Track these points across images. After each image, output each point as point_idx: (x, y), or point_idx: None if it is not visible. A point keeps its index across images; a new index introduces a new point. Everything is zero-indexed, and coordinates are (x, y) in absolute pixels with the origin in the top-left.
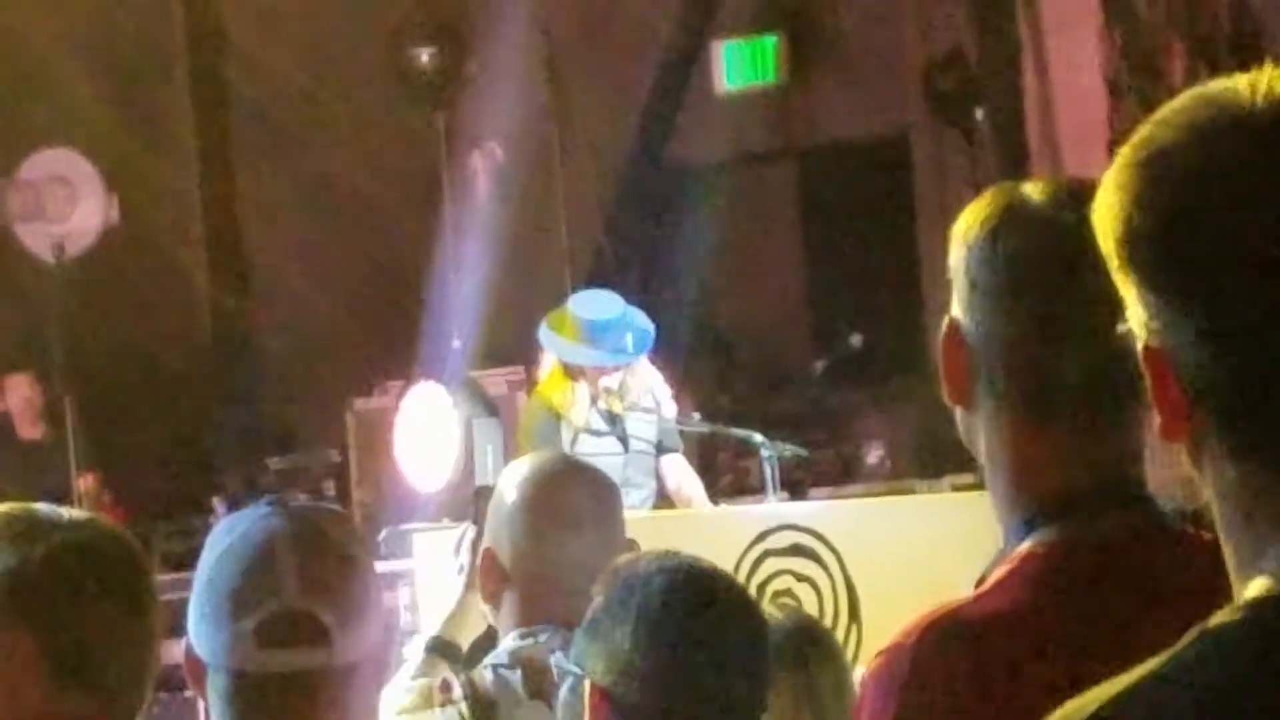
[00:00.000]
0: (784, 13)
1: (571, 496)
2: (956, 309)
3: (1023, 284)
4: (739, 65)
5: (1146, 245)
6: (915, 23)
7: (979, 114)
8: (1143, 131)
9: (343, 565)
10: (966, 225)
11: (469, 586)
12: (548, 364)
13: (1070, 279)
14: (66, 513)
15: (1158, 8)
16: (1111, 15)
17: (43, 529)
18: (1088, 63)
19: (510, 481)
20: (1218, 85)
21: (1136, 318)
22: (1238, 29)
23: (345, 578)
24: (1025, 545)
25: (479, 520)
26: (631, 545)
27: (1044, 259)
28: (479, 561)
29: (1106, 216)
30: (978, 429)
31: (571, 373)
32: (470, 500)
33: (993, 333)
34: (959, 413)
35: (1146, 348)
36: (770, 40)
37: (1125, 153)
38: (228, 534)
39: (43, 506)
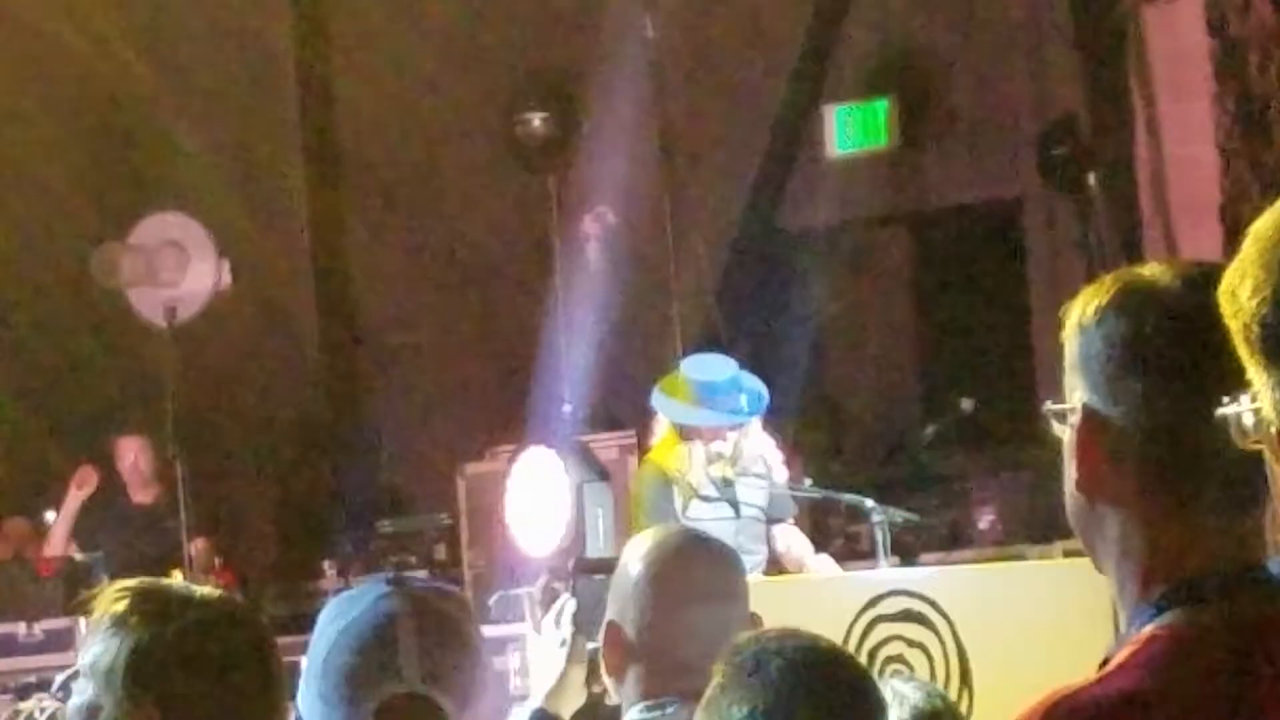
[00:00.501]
0: (896, 77)
1: (698, 570)
2: (1087, 396)
3: (1173, 367)
4: (851, 130)
5: None
6: (1028, 89)
7: (1091, 181)
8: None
9: (461, 649)
10: (1097, 308)
11: (571, 659)
12: (661, 429)
13: (1214, 359)
14: (198, 590)
15: (1270, 74)
16: (1224, 83)
17: (175, 607)
18: (1200, 130)
19: (634, 555)
20: None
21: (1269, 399)
22: None
23: (463, 662)
24: (1150, 628)
25: (577, 592)
26: (754, 618)
27: (1192, 341)
28: (603, 635)
29: (1243, 294)
30: (1106, 518)
31: (686, 436)
32: (570, 572)
33: (1139, 417)
34: (1077, 502)
35: None
36: (882, 104)
37: (1265, 233)
38: (345, 612)
39: (176, 583)
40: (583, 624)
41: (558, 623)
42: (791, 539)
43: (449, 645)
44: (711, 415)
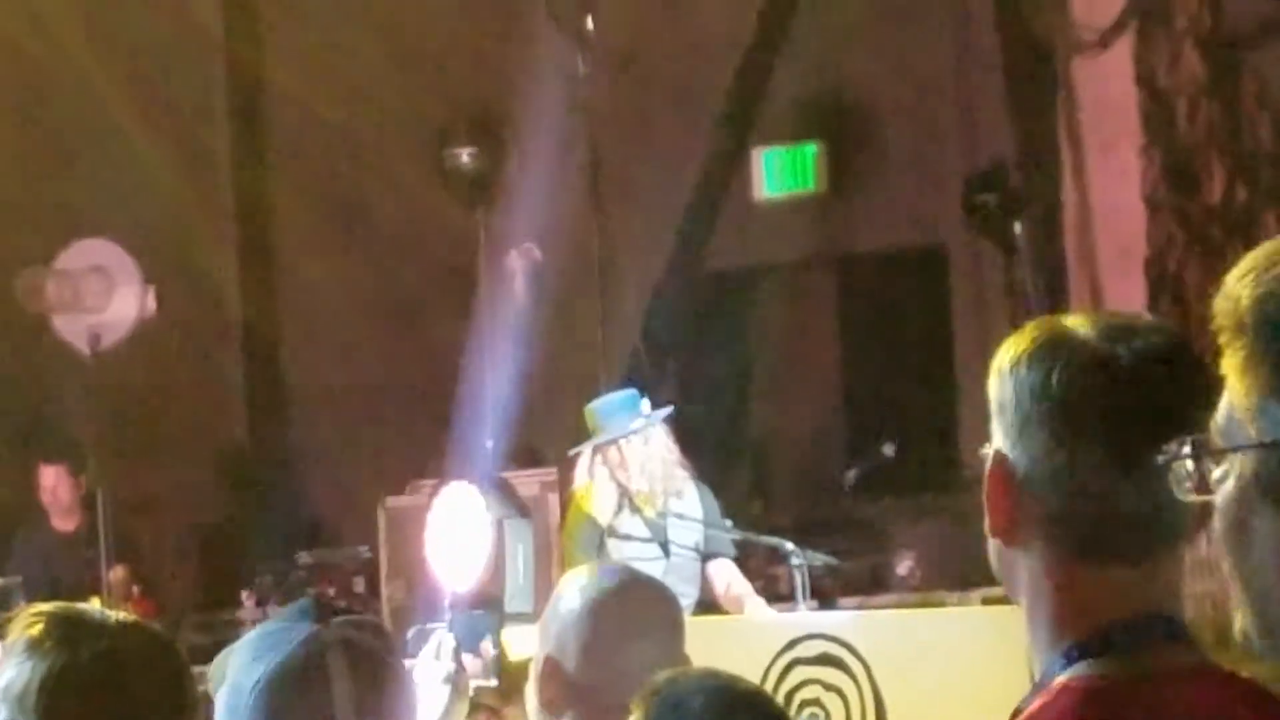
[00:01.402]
0: (825, 121)
1: (639, 606)
2: (1002, 442)
3: (1083, 418)
4: (779, 173)
5: None
6: (956, 135)
7: (1018, 228)
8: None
9: (392, 687)
10: (1014, 357)
11: (458, 692)
12: (580, 478)
13: (1130, 414)
14: (115, 616)
15: (1198, 126)
16: (1152, 132)
17: (89, 632)
18: (1127, 179)
19: (573, 589)
20: None
21: (1245, 405)
22: (1278, 148)
23: (395, 700)
24: (1062, 678)
25: (454, 628)
26: (685, 659)
27: (1103, 393)
28: (540, 669)
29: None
30: (1017, 563)
31: (592, 472)
32: (448, 608)
33: (1047, 467)
34: (995, 545)
35: None
36: (810, 148)
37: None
38: (271, 648)
39: (92, 609)
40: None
41: (437, 656)
42: (732, 577)
43: (380, 685)
44: (612, 426)
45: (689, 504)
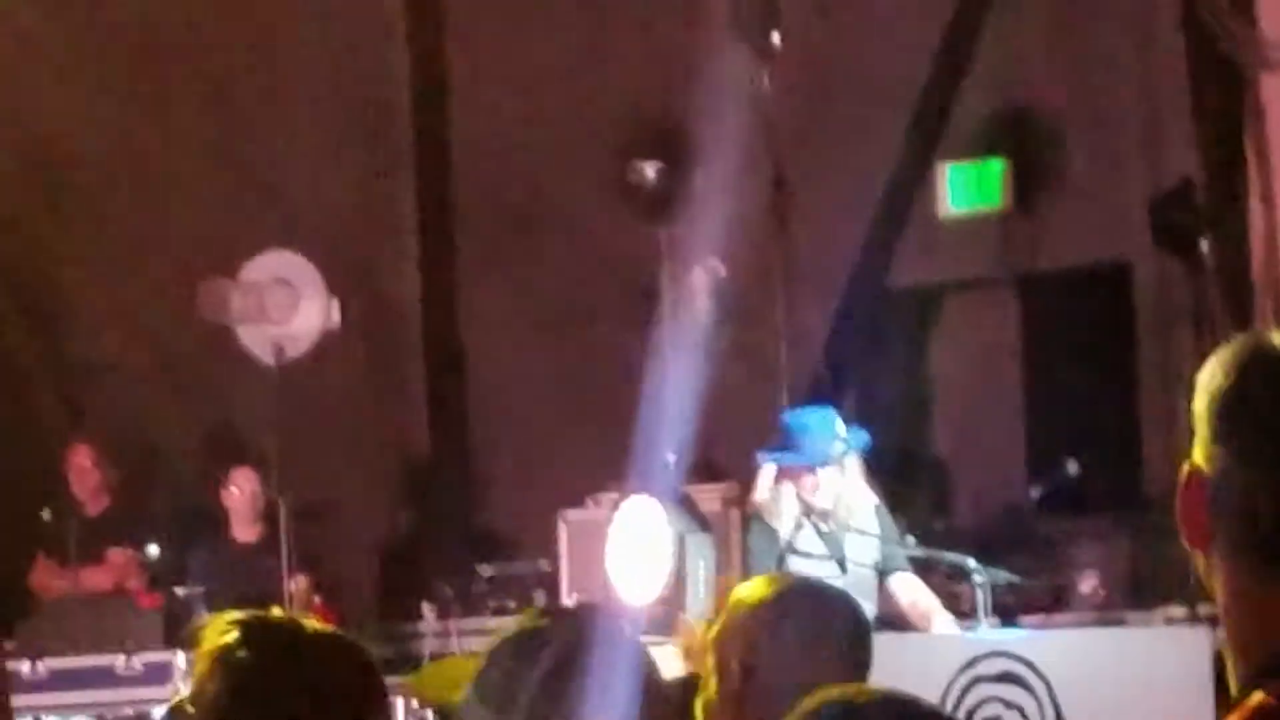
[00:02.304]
0: (1010, 138)
1: (828, 613)
2: (1198, 454)
3: (1264, 424)
4: (964, 189)
5: None
6: (1142, 152)
7: (1204, 246)
8: None
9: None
10: (1212, 370)
11: None
12: (763, 487)
13: None
14: (307, 624)
15: None
16: None
17: (283, 640)
18: None
19: (760, 593)
20: None
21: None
22: None
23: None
24: (1257, 696)
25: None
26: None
27: None
28: (729, 670)
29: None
30: (1212, 573)
31: (779, 480)
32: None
33: (1237, 479)
34: (1200, 557)
35: None
36: (996, 165)
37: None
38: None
39: (283, 616)
40: None
41: None
42: (917, 591)
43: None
44: (796, 455)
45: (865, 520)
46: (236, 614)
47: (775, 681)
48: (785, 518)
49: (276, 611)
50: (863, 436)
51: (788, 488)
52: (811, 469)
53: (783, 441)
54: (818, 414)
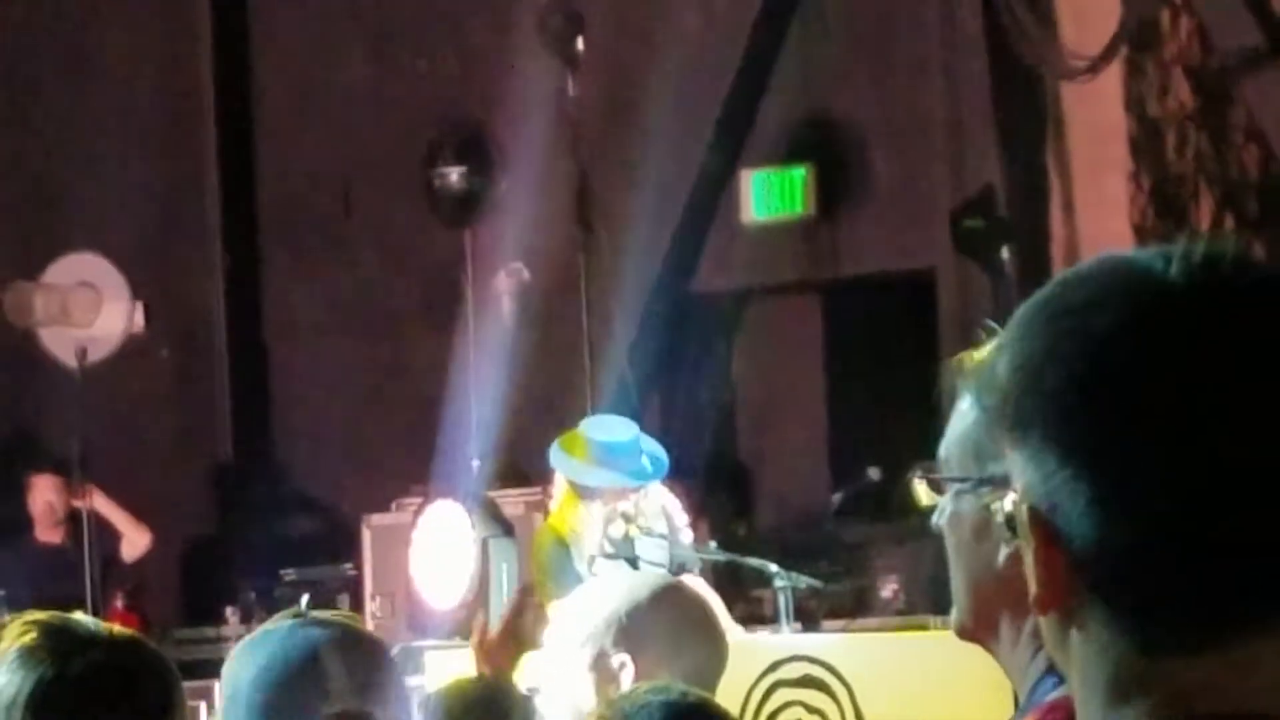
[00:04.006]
0: (814, 144)
1: (704, 604)
2: (1025, 483)
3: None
4: (767, 196)
5: (1056, 401)
6: (945, 161)
7: (1005, 254)
8: (1050, 289)
9: (383, 663)
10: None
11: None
12: (559, 489)
13: None
14: (106, 628)
15: (1186, 155)
16: (1140, 161)
17: (82, 643)
18: (1115, 207)
19: (626, 588)
20: (1133, 253)
21: (1023, 478)
22: (1265, 177)
23: (388, 674)
24: (1054, 695)
25: None
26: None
27: None
28: (611, 668)
29: (1007, 369)
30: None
31: (585, 495)
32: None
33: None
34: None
35: (1032, 510)
36: (800, 171)
37: (1029, 310)
38: (260, 648)
39: (82, 619)
40: None
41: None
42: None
43: (372, 661)
44: (613, 476)
45: (653, 518)
46: (37, 615)
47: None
48: (592, 531)
49: (78, 614)
50: (664, 462)
51: (595, 507)
52: (622, 494)
53: (593, 457)
54: (624, 430)
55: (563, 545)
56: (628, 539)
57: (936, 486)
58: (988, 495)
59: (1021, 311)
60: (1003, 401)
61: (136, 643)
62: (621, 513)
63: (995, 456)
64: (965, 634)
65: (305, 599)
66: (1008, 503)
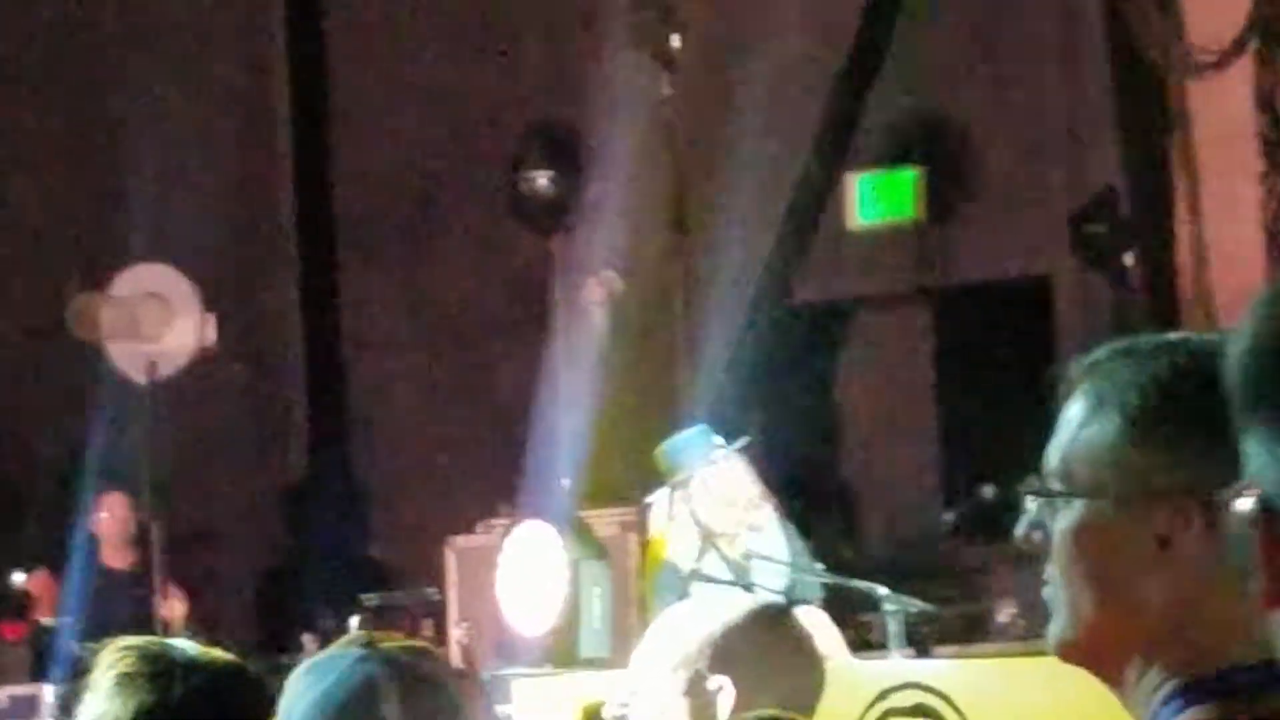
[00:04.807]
0: (924, 145)
1: (801, 631)
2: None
3: None
4: (874, 199)
5: None
6: (1064, 161)
7: (1128, 259)
8: None
9: (445, 705)
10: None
11: None
12: (659, 522)
13: None
14: (205, 652)
15: None
16: (1271, 163)
17: (181, 669)
18: (1246, 210)
19: (721, 610)
20: None
21: (1254, 465)
22: None
23: (449, 718)
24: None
25: None
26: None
27: None
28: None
29: (1244, 352)
30: None
31: (672, 513)
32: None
33: None
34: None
35: (1264, 500)
36: (908, 174)
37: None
38: (319, 680)
39: (180, 643)
40: None
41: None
42: (819, 627)
43: (435, 704)
44: (677, 471)
45: (773, 544)
46: (132, 640)
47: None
48: (684, 545)
49: (178, 640)
50: (741, 439)
51: (681, 512)
52: (696, 478)
53: (665, 466)
54: (689, 431)
55: (671, 567)
56: (742, 563)
57: (1053, 498)
58: (1138, 509)
59: (1263, 294)
60: (1240, 385)
61: (238, 668)
62: (720, 534)
63: (1147, 468)
64: (1071, 653)
65: (354, 623)
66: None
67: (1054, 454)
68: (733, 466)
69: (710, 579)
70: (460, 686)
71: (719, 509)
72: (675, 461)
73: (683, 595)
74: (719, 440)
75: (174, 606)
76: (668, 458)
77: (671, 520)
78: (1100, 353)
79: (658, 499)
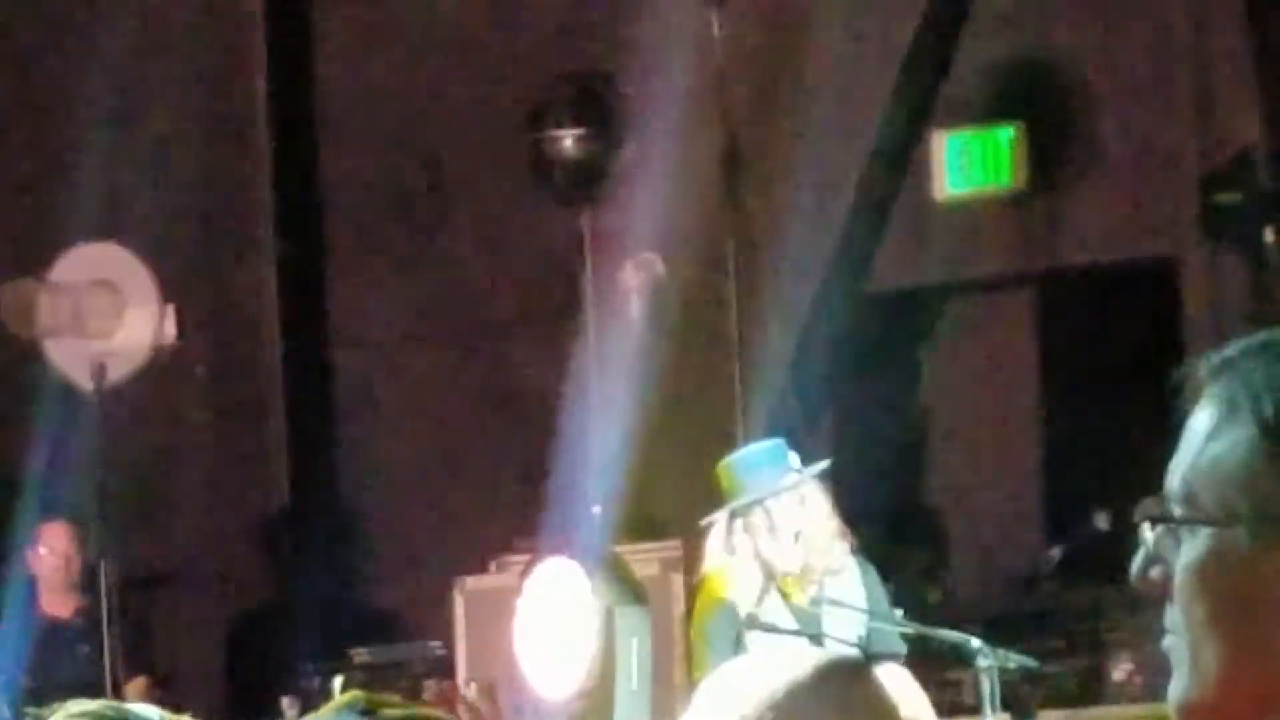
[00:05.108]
0: (1025, 100)
1: (872, 689)
2: None
3: None
4: (966, 165)
5: None
6: (1191, 119)
7: (1268, 236)
8: None
9: None
10: None
11: None
12: (715, 553)
13: None
14: (165, 719)
15: None
16: None
17: None
18: None
19: (773, 666)
20: None
21: None
22: None
23: None
24: None
25: None
26: None
27: None
28: None
29: None
30: None
31: (730, 547)
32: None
33: None
34: None
35: None
36: (1006, 133)
37: None
38: None
39: (139, 708)
40: None
41: None
42: (901, 690)
43: None
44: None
45: (848, 588)
46: (86, 704)
47: None
48: (744, 584)
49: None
50: (821, 463)
51: (743, 544)
52: (760, 504)
53: (729, 484)
54: (764, 445)
55: (729, 610)
56: (811, 610)
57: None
58: (1276, 539)
59: None
60: None
61: None
62: (784, 573)
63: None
64: (1196, 717)
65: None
66: None
67: (1176, 473)
68: (809, 494)
69: (771, 628)
70: None
71: (788, 545)
72: (741, 481)
73: (739, 647)
74: (795, 460)
75: (135, 683)
76: (733, 476)
77: (731, 554)
78: (1233, 349)
79: (715, 526)
